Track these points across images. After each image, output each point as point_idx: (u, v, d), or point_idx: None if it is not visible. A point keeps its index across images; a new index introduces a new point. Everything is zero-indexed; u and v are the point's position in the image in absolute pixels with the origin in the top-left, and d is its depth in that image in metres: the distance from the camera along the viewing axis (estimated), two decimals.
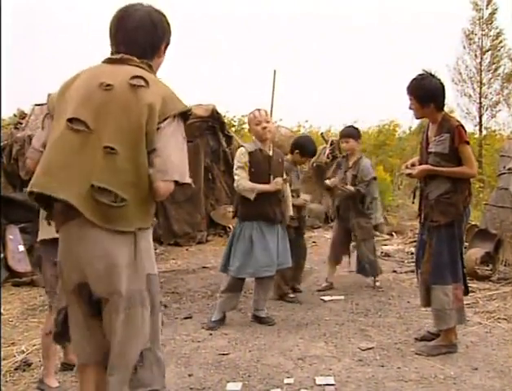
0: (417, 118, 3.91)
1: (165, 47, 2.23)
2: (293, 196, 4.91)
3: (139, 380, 2.03)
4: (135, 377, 2.02)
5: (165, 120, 2.00)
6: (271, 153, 4.39)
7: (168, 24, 2.21)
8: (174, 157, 2.01)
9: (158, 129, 1.99)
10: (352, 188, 5.33)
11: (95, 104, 1.99)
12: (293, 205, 4.89)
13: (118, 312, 2.00)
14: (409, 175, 3.91)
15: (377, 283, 5.58)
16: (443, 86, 3.71)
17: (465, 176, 3.65)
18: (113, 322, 2.02)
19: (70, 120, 1.98)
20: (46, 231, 3.28)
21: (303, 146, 5.21)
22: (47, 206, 2.05)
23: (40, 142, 2.38)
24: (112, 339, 2.04)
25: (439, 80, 3.71)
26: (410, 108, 3.76)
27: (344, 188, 5.35)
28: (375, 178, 5.67)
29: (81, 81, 2.07)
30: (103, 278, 1.98)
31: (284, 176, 4.52)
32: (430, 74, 3.70)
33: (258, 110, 4.38)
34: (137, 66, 2.07)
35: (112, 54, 2.16)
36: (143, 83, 2.00)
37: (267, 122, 4.33)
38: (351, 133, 5.60)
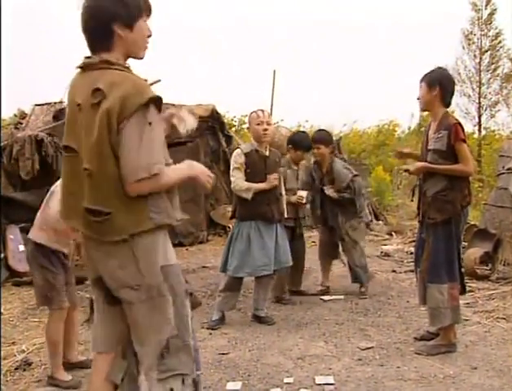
0: (422, 109, 3.94)
1: (126, 24, 2.06)
2: (287, 195, 4.91)
3: (165, 365, 2.11)
4: (162, 362, 2.11)
5: (123, 120, 1.96)
6: (267, 153, 4.42)
7: (116, 2, 2.06)
8: (132, 157, 1.97)
9: (119, 131, 1.97)
10: (335, 194, 5.17)
11: (75, 126, 2.07)
12: (289, 203, 4.88)
13: (134, 304, 2.09)
14: (407, 171, 3.94)
15: (362, 289, 5.34)
16: (453, 81, 3.84)
17: (461, 174, 3.66)
18: (133, 313, 2.12)
19: (63, 147, 2.13)
20: (35, 234, 3.30)
21: (296, 141, 5.21)
22: None
23: None
24: (134, 329, 2.14)
25: (452, 78, 3.89)
26: (418, 99, 3.82)
27: (330, 193, 5.17)
28: (356, 175, 5.34)
29: (68, 99, 2.15)
30: (114, 274, 2.09)
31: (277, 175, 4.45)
32: (446, 70, 3.90)
33: (262, 111, 4.39)
34: (99, 68, 2.04)
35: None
36: (100, 97, 1.98)
37: (269, 124, 4.34)
38: (324, 139, 5.29)
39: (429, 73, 3.79)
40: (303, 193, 5.05)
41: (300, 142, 5.19)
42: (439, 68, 3.87)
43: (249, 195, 4.25)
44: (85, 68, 2.08)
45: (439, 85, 3.70)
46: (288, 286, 5.26)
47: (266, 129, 4.31)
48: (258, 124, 4.32)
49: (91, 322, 2.42)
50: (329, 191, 5.19)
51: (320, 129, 5.56)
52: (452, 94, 3.80)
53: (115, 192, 2.01)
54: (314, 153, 5.32)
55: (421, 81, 3.80)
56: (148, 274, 2.07)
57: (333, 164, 5.28)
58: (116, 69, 2.05)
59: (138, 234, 2.04)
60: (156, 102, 2.02)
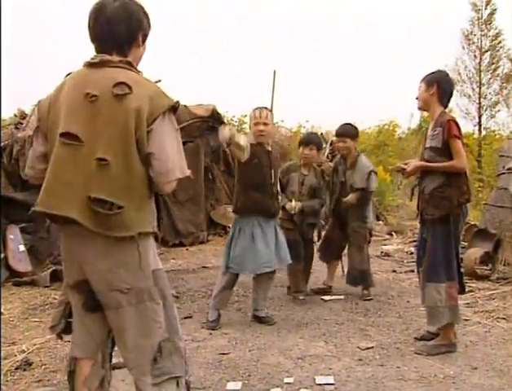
0: (420, 107, 3.95)
1: (144, 38, 2.21)
2: (289, 198, 4.95)
3: (159, 369, 2.10)
4: (155, 367, 2.10)
5: (154, 120, 2.01)
6: (269, 148, 4.42)
7: (145, 14, 2.20)
8: (171, 157, 2.04)
9: (149, 131, 2.00)
10: (353, 198, 5.09)
11: (84, 117, 2.02)
12: (284, 208, 4.93)
13: (123, 307, 2.06)
14: (402, 171, 3.93)
15: (365, 292, 5.25)
16: (451, 83, 3.89)
17: (454, 170, 3.67)
18: (120, 318, 2.09)
19: (62, 134, 2.03)
20: None
21: (307, 138, 5.20)
22: (53, 218, 2.12)
23: (31, 160, 2.25)
24: (122, 334, 2.12)
25: (451, 79, 3.95)
26: (416, 98, 3.87)
27: (346, 200, 5.10)
28: (374, 172, 5.27)
29: (67, 91, 2.08)
30: (105, 277, 2.05)
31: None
32: (446, 73, 3.97)
33: (260, 110, 4.36)
34: (117, 67, 2.07)
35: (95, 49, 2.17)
36: (126, 90, 2.00)
37: (265, 124, 4.30)
38: (349, 132, 5.25)
39: (429, 74, 3.84)
40: (298, 205, 4.97)
41: (311, 138, 5.20)
42: (439, 70, 3.93)
43: (244, 151, 4.05)
44: (99, 64, 2.08)
45: (437, 84, 3.74)
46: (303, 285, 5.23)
47: (261, 130, 4.28)
48: (255, 124, 4.31)
49: (56, 330, 2.32)
50: (348, 198, 5.11)
51: (345, 123, 5.35)
52: (451, 95, 3.84)
53: (129, 188, 2.01)
54: (339, 147, 5.25)
55: (421, 81, 3.85)
56: (140, 278, 2.07)
57: (359, 158, 5.22)
58: (133, 72, 2.10)
59: (143, 234, 2.05)
60: (178, 107, 2.11)
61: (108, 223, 1.98)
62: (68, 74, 2.17)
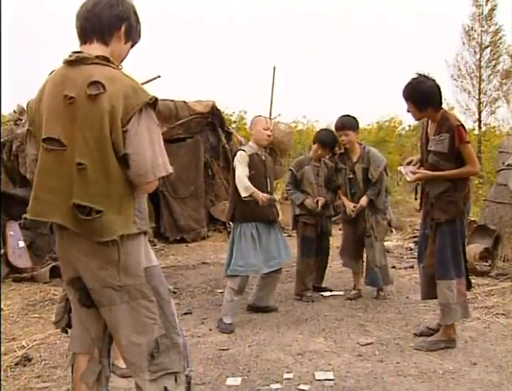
0: (416, 120, 3.88)
1: (128, 34, 2.15)
2: (305, 192, 5.02)
3: (157, 365, 2.11)
4: (153, 363, 2.10)
5: (129, 120, 1.96)
6: (264, 157, 4.55)
7: (134, 12, 2.16)
8: (149, 157, 1.99)
9: (125, 131, 1.96)
10: (365, 202, 4.89)
11: (64, 120, 1.99)
12: (302, 204, 5.02)
13: (116, 305, 2.07)
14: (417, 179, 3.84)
15: (381, 293, 5.08)
16: (438, 87, 3.68)
17: (469, 175, 3.69)
18: (113, 315, 2.09)
19: (44, 140, 2.01)
20: None
21: (324, 139, 5.14)
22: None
23: (29, 165, 2.27)
24: (117, 331, 2.12)
25: (434, 81, 3.67)
26: (408, 111, 3.74)
27: (356, 209, 4.90)
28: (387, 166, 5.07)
29: (48, 93, 2.05)
30: (97, 274, 2.05)
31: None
32: (425, 76, 3.66)
33: (265, 117, 4.60)
34: (93, 63, 2.02)
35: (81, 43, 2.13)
36: (100, 89, 1.95)
37: (271, 130, 4.55)
38: (350, 124, 4.95)
39: (412, 90, 3.62)
40: (321, 200, 4.99)
41: (329, 140, 5.11)
42: (420, 80, 3.62)
43: (244, 194, 4.31)
44: (76, 62, 2.04)
45: (430, 105, 3.61)
46: (311, 282, 5.20)
47: (269, 135, 4.52)
48: (265, 129, 4.48)
49: (60, 325, 2.35)
50: (361, 203, 4.92)
51: (344, 115, 5.04)
52: (441, 96, 3.67)
53: (108, 191, 1.99)
54: (342, 140, 4.99)
55: (406, 98, 3.65)
56: (131, 276, 2.06)
57: (368, 150, 5.02)
58: (111, 67, 2.06)
59: (126, 236, 2.03)
60: (156, 102, 2.05)
61: (89, 228, 1.97)
62: (52, 72, 2.13)
